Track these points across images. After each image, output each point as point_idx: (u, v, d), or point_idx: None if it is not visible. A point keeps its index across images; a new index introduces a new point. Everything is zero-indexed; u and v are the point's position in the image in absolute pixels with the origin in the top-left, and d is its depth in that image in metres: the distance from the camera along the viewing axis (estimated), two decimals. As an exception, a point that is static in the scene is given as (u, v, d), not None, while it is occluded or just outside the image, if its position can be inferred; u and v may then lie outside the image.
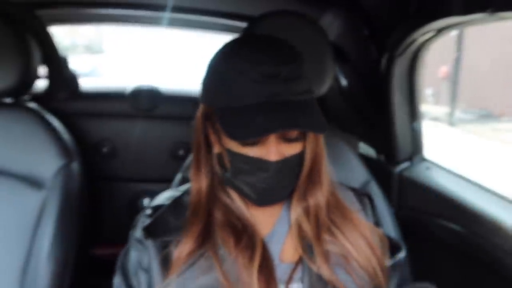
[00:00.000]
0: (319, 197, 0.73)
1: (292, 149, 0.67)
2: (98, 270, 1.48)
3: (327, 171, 0.74)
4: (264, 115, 0.61)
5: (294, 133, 0.67)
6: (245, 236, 0.69)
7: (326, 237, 0.72)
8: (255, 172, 0.66)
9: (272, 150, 0.65)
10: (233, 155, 0.67)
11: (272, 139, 0.65)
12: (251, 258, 0.67)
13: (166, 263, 0.69)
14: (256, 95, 0.63)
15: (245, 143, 0.65)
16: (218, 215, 0.72)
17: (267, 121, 0.61)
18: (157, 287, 0.69)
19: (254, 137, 0.63)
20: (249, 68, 0.62)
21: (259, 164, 0.66)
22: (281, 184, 0.69)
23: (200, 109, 0.72)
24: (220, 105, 0.66)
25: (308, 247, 0.71)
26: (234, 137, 0.63)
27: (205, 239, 0.70)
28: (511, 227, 0.97)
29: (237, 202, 0.73)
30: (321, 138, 0.73)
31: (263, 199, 0.70)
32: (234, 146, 0.67)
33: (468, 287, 1.12)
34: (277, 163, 0.65)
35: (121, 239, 1.33)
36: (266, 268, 0.67)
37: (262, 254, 0.68)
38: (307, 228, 0.72)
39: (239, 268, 0.66)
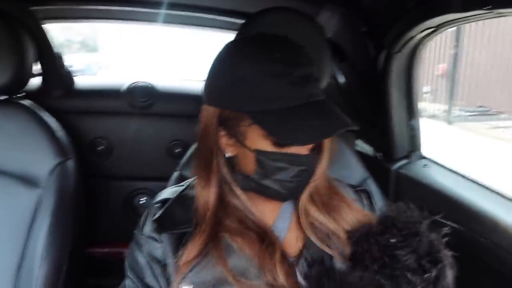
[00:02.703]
0: (321, 187, 0.76)
1: None
2: (93, 269, 1.48)
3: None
4: (318, 117, 0.64)
5: None
6: (266, 237, 0.70)
7: (330, 226, 0.73)
8: (291, 167, 0.67)
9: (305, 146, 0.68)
10: (265, 154, 0.67)
11: None
12: (272, 256, 0.68)
13: (179, 258, 0.70)
14: (296, 97, 0.64)
15: (291, 144, 0.66)
16: (228, 221, 0.72)
17: (324, 123, 0.64)
18: (174, 283, 0.69)
19: (318, 140, 0.67)
20: (287, 71, 0.64)
21: (294, 159, 0.67)
22: (310, 176, 0.71)
23: (211, 113, 0.70)
24: (253, 109, 0.65)
25: (326, 235, 0.72)
26: (293, 141, 0.64)
27: (211, 242, 0.70)
28: (509, 225, 0.97)
29: (247, 204, 0.73)
30: None
31: (291, 194, 0.71)
32: (265, 146, 0.67)
33: (465, 284, 1.12)
34: (309, 156, 0.69)
35: (117, 238, 1.32)
36: (286, 263, 0.69)
37: (281, 250, 0.69)
38: (316, 218, 0.74)
39: (260, 262, 0.68)
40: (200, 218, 0.72)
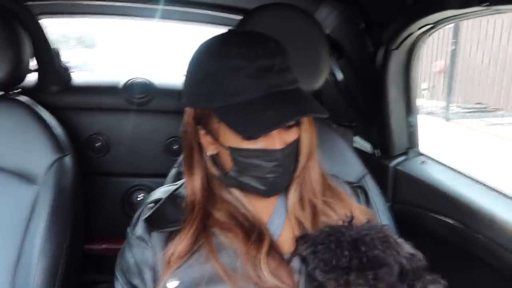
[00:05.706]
0: (314, 184, 0.75)
1: (291, 136, 0.69)
2: (91, 265, 1.48)
3: (317, 157, 0.76)
4: (272, 108, 0.63)
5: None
6: (254, 232, 0.70)
7: (322, 219, 0.73)
8: (263, 163, 0.67)
9: (277, 139, 0.67)
10: (237, 151, 0.67)
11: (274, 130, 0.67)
12: (259, 249, 0.68)
13: (168, 252, 0.70)
14: (255, 89, 0.64)
15: (249, 137, 0.66)
16: (218, 215, 0.72)
17: (277, 113, 0.62)
18: (162, 278, 0.69)
19: (269, 130, 0.64)
20: (245, 65, 0.63)
21: (266, 154, 0.67)
22: (287, 171, 0.70)
23: (189, 114, 0.72)
24: (217, 104, 0.66)
25: None
26: (247, 133, 0.64)
27: (200, 235, 0.70)
28: (505, 221, 0.98)
29: (241, 199, 0.74)
30: (314, 124, 0.74)
31: (271, 190, 0.71)
32: (236, 143, 0.67)
33: (462, 281, 1.12)
34: (283, 150, 0.67)
35: (115, 234, 1.32)
36: (275, 255, 0.69)
37: (270, 243, 0.69)
38: (303, 216, 0.73)
39: (246, 259, 0.67)
40: (189, 211, 0.72)
